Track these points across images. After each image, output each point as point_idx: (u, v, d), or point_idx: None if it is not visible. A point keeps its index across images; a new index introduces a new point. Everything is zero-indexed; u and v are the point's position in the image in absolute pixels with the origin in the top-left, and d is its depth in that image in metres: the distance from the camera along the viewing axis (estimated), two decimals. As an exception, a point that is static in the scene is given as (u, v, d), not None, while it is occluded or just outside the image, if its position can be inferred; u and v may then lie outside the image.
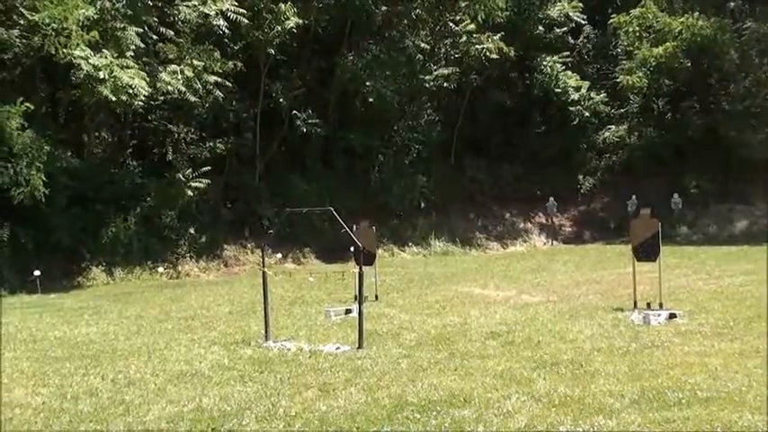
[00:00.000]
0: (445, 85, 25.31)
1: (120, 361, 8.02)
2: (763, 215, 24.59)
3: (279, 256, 20.43)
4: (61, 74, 17.59)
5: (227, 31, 19.58)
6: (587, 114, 28.10)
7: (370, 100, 22.92)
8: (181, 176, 19.53)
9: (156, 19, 18.97)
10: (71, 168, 18.10)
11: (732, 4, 27.41)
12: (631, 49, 27.51)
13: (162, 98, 18.68)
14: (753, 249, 19.35)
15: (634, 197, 25.87)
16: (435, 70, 25.13)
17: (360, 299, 8.55)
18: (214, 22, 19.17)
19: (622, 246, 20.92)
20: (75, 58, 15.92)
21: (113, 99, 16.34)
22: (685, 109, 28.24)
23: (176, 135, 21.22)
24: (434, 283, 15.16)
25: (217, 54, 19.46)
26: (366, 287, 9.22)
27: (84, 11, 16.00)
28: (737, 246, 21.21)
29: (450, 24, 25.54)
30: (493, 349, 7.94)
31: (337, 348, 8.18)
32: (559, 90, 27.26)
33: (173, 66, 18.50)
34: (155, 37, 19.02)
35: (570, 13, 27.43)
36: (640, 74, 26.92)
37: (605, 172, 29.42)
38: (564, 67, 27.53)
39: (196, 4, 18.97)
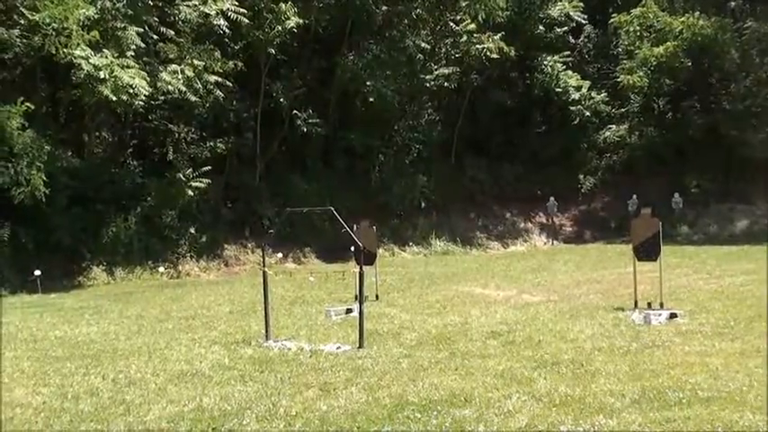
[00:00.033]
0: (446, 84, 25.32)
1: (121, 360, 8.02)
2: (763, 215, 24.61)
3: (279, 255, 20.43)
4: (62, 74, 17.59)
5: (227, 30, 19.57)
6: (588, 114, 28.10)
7: (371, 100, 22.92)
8: (181, 176, 19.53)
9: (156, 19, 18.98)
10: (71, 168, 18.10)
11: (733, 3, 27.40)
12: (632, 48, 27.50)
13: (162, 98, 18.68)
14: (753, 249, 19.33)
15: (635, 197, 25.85)
16: (436, 70, 25.14)
17: (360, 298, 8.55)
18: (214, 22, 19.17)
19: (623, 245, 20.92)
20: (75, 57, 15.92)
21: (114, 99, 16.34)
22: (686, 108, 28.24)
23: (177, 135, 21.22)
24: (435, 282, 15.16)
25: (217, 54, 19.46)
26: (366, 287, 9.22)
27: (84, 11, 15.99)
28: (738, 245, 21.20)
29: (451, 24, 25.54)
30: (493, 349, 7.93)
31: (338, 348, 8.17)
32: (560, 90, 27.27)
33: (173, 65, 18.49)
34: (155, 37, 19.02)
35: (571, 13, 27.43)
36: (641, 73, 26.91)
37: (606, 171, 29.43)
38: (564, 67, 27.53)
39: (196, 3, 18.97)
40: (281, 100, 21.89)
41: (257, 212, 21.71)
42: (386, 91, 22.71)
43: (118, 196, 18.92)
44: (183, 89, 18.27)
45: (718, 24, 25.27)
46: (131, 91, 16.50)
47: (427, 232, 24.63)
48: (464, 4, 24.49)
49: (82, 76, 16.11)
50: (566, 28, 28.03)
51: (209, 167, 19.98)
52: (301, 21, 20.62)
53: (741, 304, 10.31)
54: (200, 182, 19.64)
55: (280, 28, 20.36)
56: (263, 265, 9.44)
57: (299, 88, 22.65)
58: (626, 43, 28.06)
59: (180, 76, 18.19)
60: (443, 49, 26.17)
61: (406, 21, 24.59)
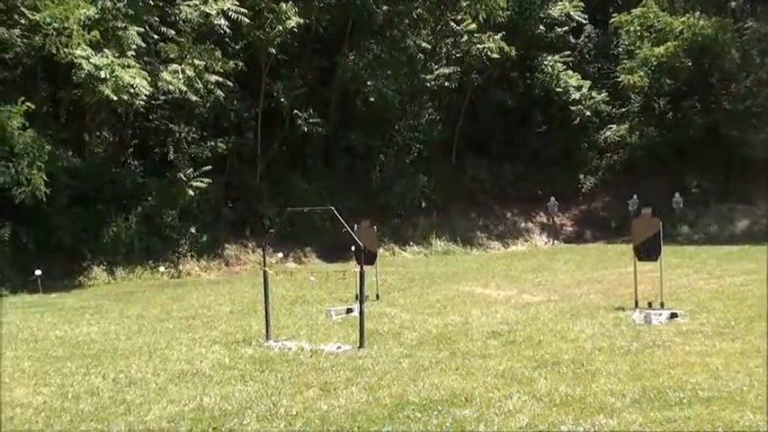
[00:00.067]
0: (446, 84, 25.33)
1: (122, 360, 8.02)
2: (764, 215, 24.59)
3: (280, 255, 20.43)
4: (62, 73, 17.59)
5: (228, 30, 19.57)
6: (588, 114, 28.10)
7: (372, 99, 22.93)
8: (182, 176, 19.54)
9: (157, 18, 18.98)
10: (72, 168, 18.10)
11: (733, 3, 27.39)
12: (632, 48, 27.51)
13: (163, 98, 18.69)
14: (754, 249, 19.33)
15: (635, 196, 25.85)
16: (436, 70, 25.14)
17: (361, 298, 8.55)
18: (215, 22, 19.17)
19: (623, 245, 20.92)
20: (76, 57, 15.92)
21: (114, 98, 16.34)
22: (686, 108, 28.23)
23: (177, 134, 21.21)
24: (435, 282, 15.16)
25: (218, 53, 19.45)
26: (367, 286, 9.22)
27: (85, 10, 15.99)
28: (739, 245, 21.19)
29: (452, 24, 25.55)
30: (494, 348, 7.93)
31: (338, 348, 8.17)
32: (560, 89, 27.27)
33: (174, 65, 18.49)
34: (156, 36, 19.02)
35: (571, 13, 27.43)
36: (641, 73, 26.91)
37: (606, 171, 29.43)
38: (565, 67, 27.53)
39: (197, 3, 18.97)
40: (282, 100, 21.90)
41: (258, 212, 21.72)
42: (386, 91, 22.72)
43: (119, 196, 18.92)
44: (184, 89, 18.28)
45: (719, 24, 25.27)
46: (132, 91, 16.50)
47: (428, 232, 24.63)
48: (465, 4, 24.49)
49: (83, 75, 16.11)
50: (566, 28, 28.02)
51: (210, 167, 19.98)
52: (302, 20, 20.62)
53: (742, 304, 10.31)
54: (201, 181, 19.65)
55: (280, 28, 20.36)
56: (264, 265, 9.43)
57: (300, 88, 22.65)
58: (626, 43, 28.07)
59: (181, 76, 18.19)
60: (444, 49, 26.18)
61: (406, 20, 24.59)
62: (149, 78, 17.08)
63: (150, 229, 19.27)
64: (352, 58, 23.30)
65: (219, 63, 19.29)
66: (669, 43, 25.77)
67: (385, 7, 23.64)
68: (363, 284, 8.63)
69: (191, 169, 19.89)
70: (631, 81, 26.88)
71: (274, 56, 21.38)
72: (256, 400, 6.17)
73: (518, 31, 25.98)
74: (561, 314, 10.09)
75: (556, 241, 27.05)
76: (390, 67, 23.37)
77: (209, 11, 18.93)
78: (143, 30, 17.75)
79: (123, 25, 17.15)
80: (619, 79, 27.56)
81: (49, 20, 15.86)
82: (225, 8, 19.19)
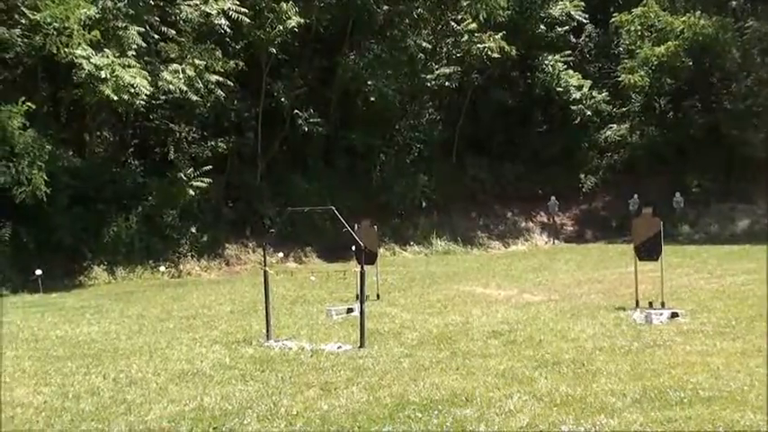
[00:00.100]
0: (447, 84, 25.33)
1: (122, 360, 8.02)
2: (764, 214, 24.59)
3: (280, 255, 20.44)
4: (63, 73, 17.58)
5: (228, 30, 19.57)
6: (589, 113, 28.08)
7: (372, 99, 22.91)
8: (182, 176, 19.54)
9: (157, 18, 18.98)
10: (73, 168, 18.10)
11: (734, 3, 27.37)
12: (633, 47, 27.48)
13: (163, 97, 18.69)
14: (754, 248, 19.31)
15: (636, 196, 25.84)
16: (437, 69, 25.13)
17: (361, 298, 8.55)
18: (216, 22, 19.17)
19: (624, 245, 20.92)
20: (76, 57, 15.92)
21: (115, 98, 16.33)
22: (687, 108, 28.22)
23: (178, 134, 21.22)
24: (436, 282, 15.16)
25: (218, 53, 19.46)
26: (368, 286, 9.22)
27: (85, 10, 15.99)
28: (739, 245, 21.18)
29: (452, 23, 25.54)
30: (494, 348, 7.93)
31: (339, 347, 8.17)
32: (561, 89, 27.24)
33: (174, 65, 18.49)
34: (156, 36, 19.02)
35: (572, 12, 27.40)
36: (642, 73, 26.88)
37: (607, 171, 29.41)
38: (565, 66, 27.50)
39: (198, 3, 18.97)
40: (283, 99, 21.90)
41: (258, 212, 21.72)
42: (387, 90, 22.71)
43: (119, 196, 18.93)
44: (185, 89, 18.28)
45: (720, 24, 25.25)
46: (132, 90, 16.50)
47: (428, 232, 24.62)
48: (465, 4, 24.47)
49: (83, 75, 16.11)
50: (567, 27, 27.99)
51: (211, 167, 19.99)
52: (302, 20, 20.62)
53: (742, 304, 10.31)
54: (202, 181, 19.65)
55: (281, 27, 20.36)
56: (264, 265, 9.44)
57: (301, 88, 22.65)
58: (627, 43, 28.05)
59: (181, 76, 18.19)
60: (444, 49, 26.17)
61: (407, 20, 24.59)
62: (150, 78, 17.08)
63: (151, 229, 19.27)
64: (353, 57, 23.30)
65: (220, 63, 19.29)
66: (670, 43, 25.76)
67: (385, 7, 23.64)
68: (364, 284, 8.63)
69: (191, 169, 19.90)
70: (632, 80, 26.86)
71: (275, 55, 21.37)
72: (257, 399, 6.17)
73: (519, 31, 25.96)
74: (562, 314, 10.09)
75: (556, 241, 27.05)
76: (391, 67, 23.36)
77: (209, 10, 18.92)
78: (143, 29, 17.75)
79: (124, 25, 17.15)
80: (619, 79, 27.54)
81: (49, 20, 15.86)
82: (225, 8, 19.19)
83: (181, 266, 19.39)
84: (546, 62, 27.28)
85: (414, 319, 10.09)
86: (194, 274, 19.37)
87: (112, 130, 21.95)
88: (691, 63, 26.27)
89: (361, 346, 8.12)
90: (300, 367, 7.31)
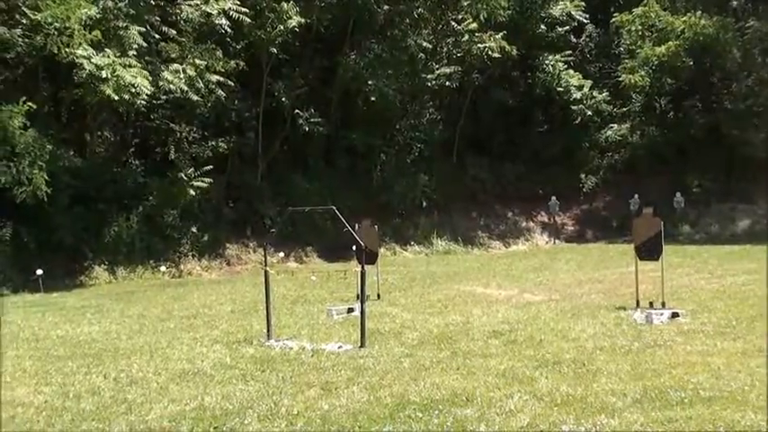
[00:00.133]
0: (447, 83, 25.31)
1: (123, 360, 8.03)
2: (765, 214, 24.56)
3: (281, 254, 20.44)
4: (64, 73, 17.58)
5: (229, 30, 19.58)
6: (589, 113, 28.06)
7: (373, 99, 22.91)
8: (183, 176, 19.55)
9: (158, 18, 18.99)
10: (73, 167, 18.10)
11: (735, 2, 27.37)
12: (634, 47, 27.47)
13: (164, 97, 18.70)
14: (755, 248, 19.29)
15: (636, 196, 25.82)
16: (437, 69, 25.12)
17: (362, 298, 8.55)
18: (216, 21, 19.18)
19: (625, 245, 20.91)
20: (77, 57, 15.93)
21: (116, 98, 16.35)
22: (688, 108, 28.20)
23: (178, 134, 21.22)
24: (436, 281, 15.16)
25: (219, 53, 19.46)
26: (368, 286, 9.22)
27: (86, 10, 16.00)
28: (740, 245, 21.17)
29: (453, 23, 25.53)
30: (495, 348, 7.93)
31: (339, 347, 8.18)
32: (561, 89, 27.22)
33: (175, 65, 18.50)
34: (157, 36, 19.03)
35: (572, 12, 27.39)
36: (643, 73, 26.87)
37: (607, 171, 29.40)
38: (566, 66, 27.48)
39: (198, 3, 18.97)
40: (283, 99, 21.90)
41: (259, 212, 21.72)
42: (387, 90, 22.71)
43: (120, 195, 18.93)
44: (185, 88, 18.28)
45: (720, 24, 25.24)
46: (133, 90, 16.51)
47: (429, 231, 24.62)
48: (466, 4, 24.47)
49: (84, 75, 16.12)
50: (567, 27, 27.97)
51: (211, 167, 20.00)
52: (303, 20, 20.61)
53: (743, 304, 10.31)
54: (202, 181, 19.66)
55: (281, 27, 20.37)
56: (265, 265, 9.44)
57: (301, 87, 22.64)
58: (627, 42, 28.04)
59: (182, 76, 18.20)
60: (445, 49, 26.16)
61: (407, 20, 24.59)
62: (150, 78, 17.09)
63: (151, 229, 19.28)
64: (354, 57, 23.29)
65: (221, 63, 19.30)
66: (670, 43, 25.75)
67: (386, 7, 23.64)
68: (364, 284, 8.63)
69: (192, 169, 19.90)
70: (632, 80, 26.84)
71: (275, 55, 21.38)
72: (257, 399, 6.17)
73: (519, 31, 25.95)
74: (562, 314, 10.09)
75: (557, 241, 27.04)
76: (391, 67, 23.36)
77: (210, 10, 18.93)
78: (144, 29, 17.76)
79: (124, 25, 17.17)
80: (620, 79, 27.52)
81: (50, 19, 15.87)
82: (226, 8, 19.19)
83: (181, 266, 19.40)
84: (546, 62, 27.26)
85: (414, 318, 10.09)
86: (195, 273, 19.38)
87: (113, 130, 21.95)
88: (691, 63, 26.26)
89: (361, 346, 8.12)
90: (301, 367, 7.31)
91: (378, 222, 14.80)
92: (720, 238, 23.54)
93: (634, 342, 7.94)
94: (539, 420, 5.34)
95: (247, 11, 19.64)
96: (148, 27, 18.24)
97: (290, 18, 20.29)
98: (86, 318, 11.59)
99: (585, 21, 28.62)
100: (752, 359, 6.95)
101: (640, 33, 27.31)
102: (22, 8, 16.48)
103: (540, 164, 27.88)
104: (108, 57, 16.23)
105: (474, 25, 24.30)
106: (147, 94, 16.97)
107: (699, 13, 25.79)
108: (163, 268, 18.81)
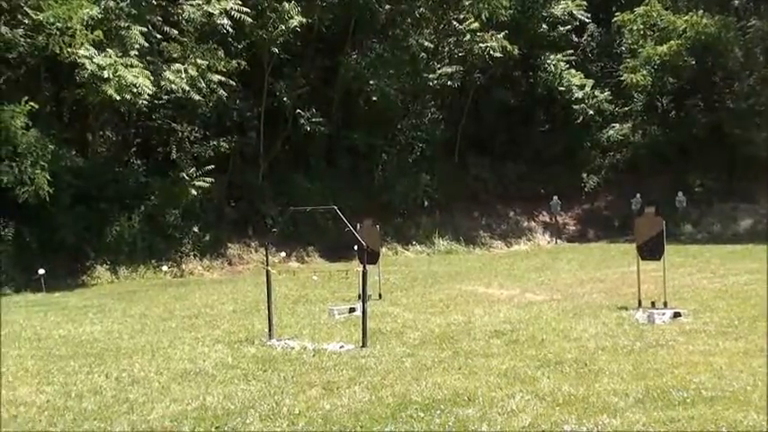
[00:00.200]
0: (449, 83, 25.29)
1: (125, 359, 8.04)
2: (767, 214, 24.52)
3: (283, 254, 20.44)
4: (65, 73, 17.60)
5: (230, 30, 19.58)
6: (591, 113, 28.00)
7: (374, 99, 22.91)
8: (185, 175, 19.56)
9: (160, 18, 19.01)
10: (75, 167, 18.11)
11: (736, 2, 27.31)
12: (635, 47, 27.44)
13: (166, 97, 18.71)
14: (757, 248, 19.27)
15: (638, 195, 25.78)
16: (439, 69, 25.10)
17: (363, 297, 8.55)
18: (218, 21, 19.18)
19: (626, 244, 20.88)
20: (79, 57, 15.95)
21: (117, 98, 16.37)
22: (690, 107, 28.16)
23: (180, 134, 21.22)
24: (438, 281, 15.16)
25: (221, 53, 19.46)
26: (370, 286, 9.22)
27: (88, 10, 16.01)
28: (742, 244, 21.15)
29: (454, 23, 25.50)
30: (497, 348, 7.93)
31: (341, 347, 8.18)
32: (563, 88, 27.18)
33: (177, 65, 18.51)
34: (159, 36, 19.05)
35: (574, 12, 27.34)
36: (644, 72, 26.83)
37: (609, 170, 29.35)
38: (568, 66, 27.44)
39: (200, 3, 18.97)
40: (285, 99, 21.91)
41: (260, 211, 21.72)
42: (389, 90, 22.71)
43: (121, 195, 18.95)
44: (187, 88, 18.30)
45: (722, 23, 25.21)
46: (135, 90, 16.52)
47: (430, 231, 24.61)
48: (467, 3, 24.45)
49: (86, 75, 16.14)
50: (569, 26, 27.91)
51: (213, 166, 20.01)
52: (304, 20, 20.61)
53: (745, 303, 10.30)
54: (204, 181, 19.67)
55: (283, 27, 20.38)
56: (267, 264, 9.45)
57: (303, 87, 22.65)
58: (629, 42, 28.01)
59: (183, 76, 18.21)
60: (446, 48, 26.14)
61: (409, 20, 24.57)
62: (152, 78, 17.10)
63: (153, 229, 19.29)
64: (355, 57, 23.30)
65: (222, 62, 19.30)
66: (672, 42, 25.71)
67: (387, 6, 23.63)
68: (366, 284, 8.63)
69: (193, 169, 19.91)
70: (634, 80, 26.81)
71: (277, 55, 21.39)
72: (259, 399, 6.17)
73: (521, 30, 25.92)
74: (564, 313, 10.09)
75: (559, 240, 27.02)
76: (393, 67, 23.35)
77: (211, 10, 18.93)
78: (146, 29, 17.78)
79: (126, 25, 17.18)
80: (622, 78, 27.48)
81: (52, 19, 15.88)
82: (228, 8, 19.19)
83: (183, 266, 19.41)
84: (548, 61, 27.23)
85: (416, 318, 10.09)
86: (197, 273, 19.39)
87: (115, 130, 21.96)
88: (693, 62, 26.21)
89: (363, 346, 8.12)
90: (303, 367, 7.31)
91: (379, 222, 14.81)
92: (722, 238, 23.51)
93: (636, 342, 7.93)
94: (540, 420, 5.34)
95: (249, 11, 19.64)
96: (150, 27, 18.26)
97: (292, 18, 20.30)
98: (88, 317, 11.60)
99: (587, 20, 28.56)
100: (754, 359, 6.94)
101: (642, 33, 27.28)
102: (25, 8, 16.50)
103: (541, 163, 27.85)
104: (110, 57, 16.25)
105: (475, 25, 24.28)
106: (148, 94, 16.99)
107: (700, 12, 25.75)
108: (164, 268, 18.82)
